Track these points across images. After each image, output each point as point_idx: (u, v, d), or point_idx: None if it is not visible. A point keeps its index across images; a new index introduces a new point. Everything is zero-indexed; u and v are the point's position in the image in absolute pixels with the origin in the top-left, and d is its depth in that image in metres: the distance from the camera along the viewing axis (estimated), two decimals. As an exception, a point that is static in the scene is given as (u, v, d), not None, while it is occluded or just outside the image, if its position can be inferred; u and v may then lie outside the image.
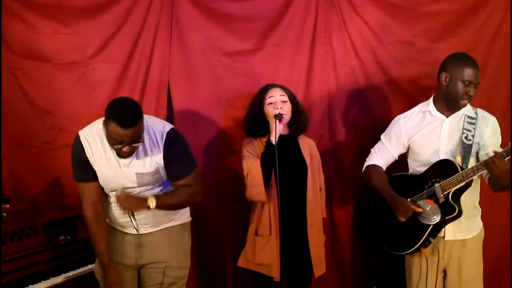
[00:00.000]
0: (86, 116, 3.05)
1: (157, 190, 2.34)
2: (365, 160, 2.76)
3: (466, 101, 2.43)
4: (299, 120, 2.66)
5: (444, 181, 2.39)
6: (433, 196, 2.44)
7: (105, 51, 3.06)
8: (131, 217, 2.21)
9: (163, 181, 2.36)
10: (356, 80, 3.08)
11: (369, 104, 3.09)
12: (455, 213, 2.37)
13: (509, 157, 2.23)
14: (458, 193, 2.40)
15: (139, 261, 2.40)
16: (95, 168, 2.26)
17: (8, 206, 2.62)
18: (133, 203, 2.18)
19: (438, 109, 2.51)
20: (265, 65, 3.10)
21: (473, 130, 2.42)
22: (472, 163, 2.40)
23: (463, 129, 2.43)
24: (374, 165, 2.68)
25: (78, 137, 2.27)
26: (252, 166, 2.50)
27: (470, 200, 2.47)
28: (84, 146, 2.24)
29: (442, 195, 2.40)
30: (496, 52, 2.97)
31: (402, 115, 2.64)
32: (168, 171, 2.31)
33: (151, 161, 2.26)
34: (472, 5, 2.98)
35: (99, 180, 2.28)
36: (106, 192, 2.37)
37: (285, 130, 2.64)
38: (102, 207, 2.36)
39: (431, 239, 2.45)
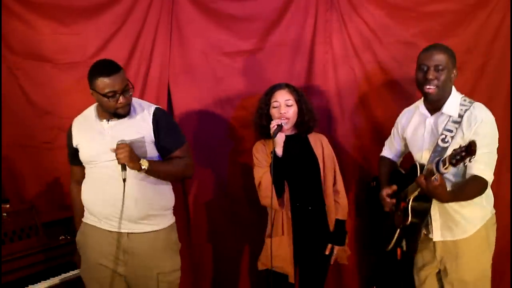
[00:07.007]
0: (86, 116, 3.06)
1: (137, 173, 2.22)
2: (364, 160, 2.76)
3: (430, 87, 2.20)
4: (306, 120, 2.62)
5: (408, 186, 2.24)
6: (405, 199, 2.29)
7: (105, 51, 3.07)
8: (123, 169, 2.15)
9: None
10: (356, 80, 3.07)
11: (369, 104, 3.08)
12: (407, 222, 2.22)
13: (433, 176, 2.00)
14: (423, 200, 2.19)
15: (123, 267, 2.28)
16: (79, 147, 2.34)
17: (8, 206, 2.63)
18: (129, 155, 2.11)
19: (426, 106, 2.33)
20: (265, 65, 3.10)
21: (454, 131, 2.17)
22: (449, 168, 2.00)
23: (443, 129, 2.20)
24: (382, 156, 2.71)
25: (70, 125, 2.42)
26: (262, 178, 2.49)
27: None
28: (72, 133, 2.38)
29: (406, 200, 2.25)
30: (496, 52, 2.96)
31: (405, 109, 2.58)
32: (158, 143, 2.29)
33: (138, 128, 2.26)
34: (472, 5, 2.98)
35: (82, 153, 2.34)
36: (89, 165, 2.32)
37: (293, 130, 2.63)
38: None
39: (403, 241, 2.34)
